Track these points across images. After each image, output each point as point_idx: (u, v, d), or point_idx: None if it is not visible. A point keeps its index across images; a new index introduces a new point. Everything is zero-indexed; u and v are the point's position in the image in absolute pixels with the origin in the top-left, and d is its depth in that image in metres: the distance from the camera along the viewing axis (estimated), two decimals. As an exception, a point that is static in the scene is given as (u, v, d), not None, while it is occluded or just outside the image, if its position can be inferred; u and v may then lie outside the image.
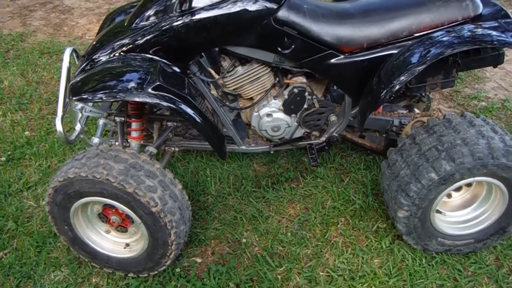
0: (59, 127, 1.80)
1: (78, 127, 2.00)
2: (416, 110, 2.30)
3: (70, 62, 1.89)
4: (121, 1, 4.85)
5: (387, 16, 1.85)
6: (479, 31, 1.72)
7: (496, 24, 1.74)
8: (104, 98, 1.64)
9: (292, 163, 2.50)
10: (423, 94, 2.27)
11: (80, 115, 2.02)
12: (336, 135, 2.17)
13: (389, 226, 2.09)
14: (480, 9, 1.85)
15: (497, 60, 1.86)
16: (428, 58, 1.68)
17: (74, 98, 1.68)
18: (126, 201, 1.67)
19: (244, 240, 2.08)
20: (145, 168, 1.70)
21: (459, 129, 1.75)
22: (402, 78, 1.71)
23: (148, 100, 1.62)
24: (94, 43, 1.95)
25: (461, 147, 1.69)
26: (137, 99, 1.63)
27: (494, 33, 1.70)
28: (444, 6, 1.83)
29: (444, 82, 1.89)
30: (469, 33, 1.72)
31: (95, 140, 2.06)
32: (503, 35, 1.68)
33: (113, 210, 1.80)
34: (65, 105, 1.85)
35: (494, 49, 1.80)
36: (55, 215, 1.80)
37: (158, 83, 1.64)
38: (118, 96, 1.64)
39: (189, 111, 1.70)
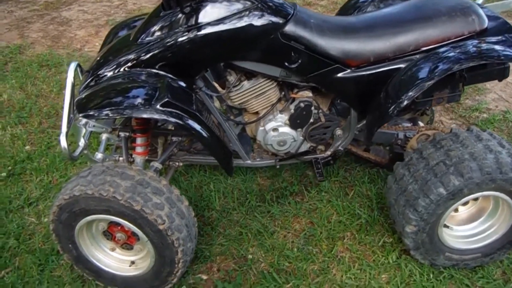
0: (63, 143, 1.78)
1: (82, 142, 1.97)
2: (420, 123, 2.29)
3: (74, 78, 1.87)
4: (119, 12, 4.84)
5: (393, 30, 1.85)
6: (485, 46, 1.73)
7: (502, 39, 1.74)
8: (111, 115, 1.63)
9: (296, 177, 2.49)
10: (428, 108, 2.27)
11: (84, 130, 2.00)
12: (342, 149, 2.16)
13: (395, 241, 2.07)
14: (486, 23, 1.85)
15: (502, 74, 1.87)
16: (436, 74, 1.68)
17: (80, 115, 1.67)
18: (132, 219, 1.65)
19: (250, 256, 2.05)
20: (152, 185, 1.68)
21: (467, 143, 1.75)
22: (410, 93, 1.70)
23: (156, 116, 1.61)
24: (99, 58, 1.93)
25: (469, 161, 1.68)
26: (144, 116, 1.61)
27: (500, 48, 1.71)
28: (450, 21, 1.82)
29: (450, 96, 1.89)
30: (475, 49, 1.72)
31: (99, 155, 2.04)
32: (509, 50, 1.69)
33: (119, 228, 1.77)
34: (69, 121, 1.82)
35: (500, 63, 1.81)
36: (60, 233, 1.77)
37: (166, 99, 1.62)
38: (125, 113, 1.62)
39: (197, 127, 1.68)
